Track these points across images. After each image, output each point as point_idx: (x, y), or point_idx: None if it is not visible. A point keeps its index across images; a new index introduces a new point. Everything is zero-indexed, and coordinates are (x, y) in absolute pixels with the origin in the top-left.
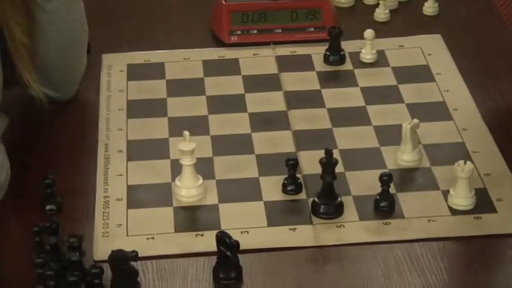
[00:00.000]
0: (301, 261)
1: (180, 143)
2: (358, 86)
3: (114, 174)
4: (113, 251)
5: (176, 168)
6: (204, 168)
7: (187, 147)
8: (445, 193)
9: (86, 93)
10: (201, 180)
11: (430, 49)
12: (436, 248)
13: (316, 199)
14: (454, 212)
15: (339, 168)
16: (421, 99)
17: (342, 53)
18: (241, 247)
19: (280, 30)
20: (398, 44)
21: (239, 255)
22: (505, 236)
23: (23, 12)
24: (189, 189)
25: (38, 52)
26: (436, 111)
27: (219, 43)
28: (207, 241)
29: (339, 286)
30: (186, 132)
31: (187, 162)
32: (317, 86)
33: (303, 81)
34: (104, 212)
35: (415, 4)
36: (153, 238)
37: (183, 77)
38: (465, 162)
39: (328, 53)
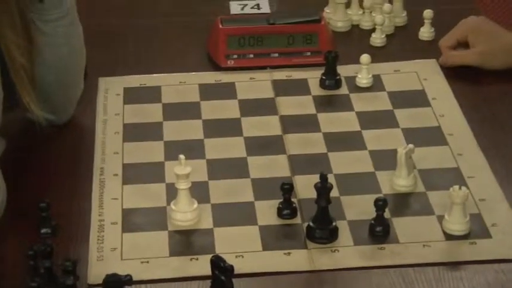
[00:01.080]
0: (296, 286)
1: (175, 166)
2: (353, 110)
3: (109, 197)
4: (107, 275)
5: (171, 192)
6: (199, 192)
7: (182, 171)
8: (440, 218)
9: (82, 117)
10: (196, 204)
11: (426, 74)
12: (430, 273)
13: (311, 223)
14: (448, 237)
15: (334, 193)
16: (417, 124)
17: (338, 77)
18: (236, 271)
19: (276, 55)
20: (394, 68)
21: (234, 280)
22: (499, 261)
23: (23, 34)
24: (184, 213)
25: (35, 74)
26: (432, 136)
27: (216, 67)
28: (202, 265)
29: None
30: (182, 156)
31: (182, 186)
32: (313, 110)
33: (299, 105)
34: (98, 236)
35: (411, 29)
36: (147, 262)
37: (179, 101)
38: (460, 188)
39: (324, 77)
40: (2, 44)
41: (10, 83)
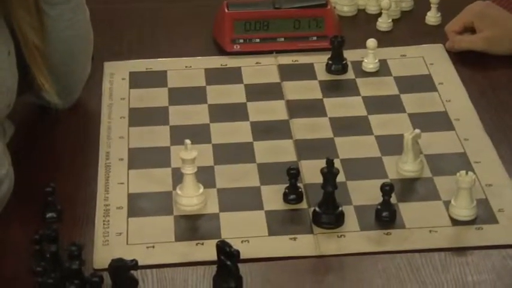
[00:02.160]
0: (302, 271)
1: (181, 151)
2: (360, 95)
3: (115, 182)
4: (112, 260)
5: (177, 177)
6: (205, 177)
7: (188, 156)
8: (447, 203)
9: (87, 101)
10: (201, 189)
11: (432, 59)
12: (437, 259)
13: (317, 208)
14: (455, 222)
15: (340, 178)
16: (423, 109)
17: (344, 62)
18: (242, 256)
19: (282, 39)
20: (401, 53)
21: (239, 265)
22: (506, 246)
23: (36, 16)
24: (189, 198)
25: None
26: (438, 121)
27: (222, 51)
28: (208, 250)
29: None
30: (188, 141)
31: (188, 171)
32: (319, 95)
33: (305, 90)
34: (104, 221)
35: (417, 14)
36: (153, 247)
37: (185, 85)
38: (467, 173)
39: (330, 62)
40: (15, 25)
41: (22, 65)
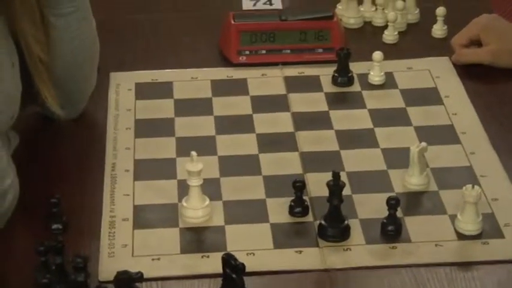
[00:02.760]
0: (308, 284)
1: (187, 163)
2: (366, 107)
3: (120, 193)
4: (118, 272)
5: (183, 189)
6: (210, 189)
7: (194, 168)
8: (453, 217)
9: (93, 112)
10: (207, 201)
11: (439, 72)
12: (442, 273)
13: (323, 222)
14: (461, 236)
15: (346, 191)
16: (429, 122)
17: (350, 74)
18: (247, 269)
19: (288, 51)
20: (407, 66)
21: (245, 278)
22: None
23: (41, 29)
24: (195, 210)
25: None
26: (444, 135)
27: (228, 63)
28: (213, 263)
29: None
30: (194, 153)
31: (194, 183)
32: (325, 108)
33: (311, 102)
34: (109, 232)
35: (423, 26)
36: (158, 259)
37: (191, 97)
38: (473, 187)
39: (336, 75)
40: (21, 38)
41: (27, 78)
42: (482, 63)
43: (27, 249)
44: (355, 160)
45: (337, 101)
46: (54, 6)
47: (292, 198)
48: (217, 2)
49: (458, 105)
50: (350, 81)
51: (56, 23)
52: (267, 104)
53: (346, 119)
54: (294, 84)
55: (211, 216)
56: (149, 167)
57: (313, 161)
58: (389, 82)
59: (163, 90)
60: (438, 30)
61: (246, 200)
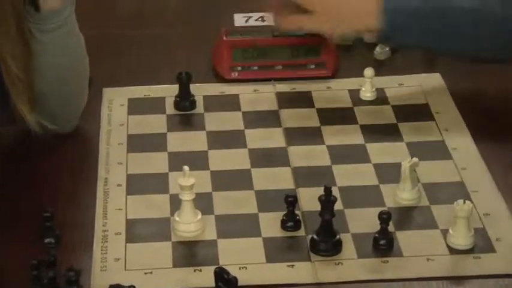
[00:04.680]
0: None
1: (179, 178)
2: (357, 123)
3: (113, 208)
4: (110, 286)
5: (175, 203)
6: (203, 203)
7: (186, 183)
8: (444, 232)
9: (86, 127)
10: (199, 216)
11: (430, 88)
12: (434, 287)
13: (314, 236)
14: (452, 251)
15: (338, 206)
16: (421, 137)
17: (192, 98)
18: (240, 283)
19: (280, 67)
20: (398, 82)
21: None
22: (503, 276)
23: (19, 45)
24: (187, 225)
25: (35, 85)
26: (436, 150)
27: (220, 78)
28: (205, 276)
29: None
30: (186, 168)
31: (186, 197)
32: (317, 123)
33: (303, 117)
34: (102, 246)
35: None
36: (151, 273)
37: (183, 112)
38: (464, 202)
39: (178, 99)
40: None
41: (4, 95)
42: (311, 31)
43: (20, 263)
44: (347, 175)
45: (329, 116)
46: (39, 21)
47: (285, 212)
48: (209, 18)
49: (449, 121)
50: (192, 106)
51: (41, 39)
52: (259, 119)
53: (338, 134)
54: (286, 100)
55: (204, 230)
56: (141, 182)
57: (305, 175)
58: (380, 98)
59: (155, 105)
60: None
61: (238, 214)
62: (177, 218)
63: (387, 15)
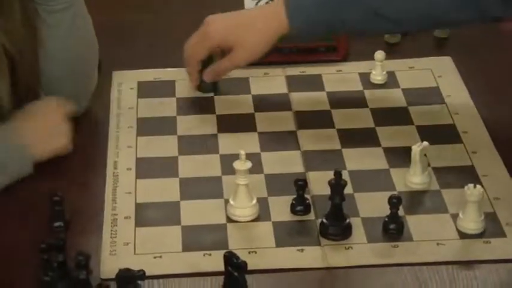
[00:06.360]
0: (309, 283)
1: (235, 162)
2: (368, 107)
3: (122, 192)
4: (120, 270)
5: (184, 187)
6: (212, 187)
7: (242, 167)
8: (454, 216)
9: (95, 110)
10: (255, 200)
11: (441, 71)
12: (444, 272)
13: (324, 220)
14: (463, 235)
15: (348, 190)
16: (431, 121)
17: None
18: (249, 267)
19: (291, 51)
20: (409, 65)
21: (247, 276)
22: None
23: (11, 20)
24: (243, 209)
25: (42, 69)
26: (446, 134)
27: None
28: (215, 261)
29: None
30: (242, 152)
31: (242, 181)
32: (327, 107)
33: (313, 101)
34: (111, 230)
35: None
36: (160, 257)
37: (193, 95)
38: (475, 186)
39: None
40: None
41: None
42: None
43: (30, 247)
44: (357, 159)
45: (339, 100)
46: (47, 2)
47: (294, 196)
48: (220, 2)
49: (460, 105)
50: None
51: (48, 20)
52: (269, 103)
53: (348, 118)
54: (296, 83)
55: (258, 214)
56: (151, 165)
57: (314, 159)
58: (391, 81)
59: (165, 89)
60: (440, 30)
61: None
62: (232, 202)
63: (293, 10)
